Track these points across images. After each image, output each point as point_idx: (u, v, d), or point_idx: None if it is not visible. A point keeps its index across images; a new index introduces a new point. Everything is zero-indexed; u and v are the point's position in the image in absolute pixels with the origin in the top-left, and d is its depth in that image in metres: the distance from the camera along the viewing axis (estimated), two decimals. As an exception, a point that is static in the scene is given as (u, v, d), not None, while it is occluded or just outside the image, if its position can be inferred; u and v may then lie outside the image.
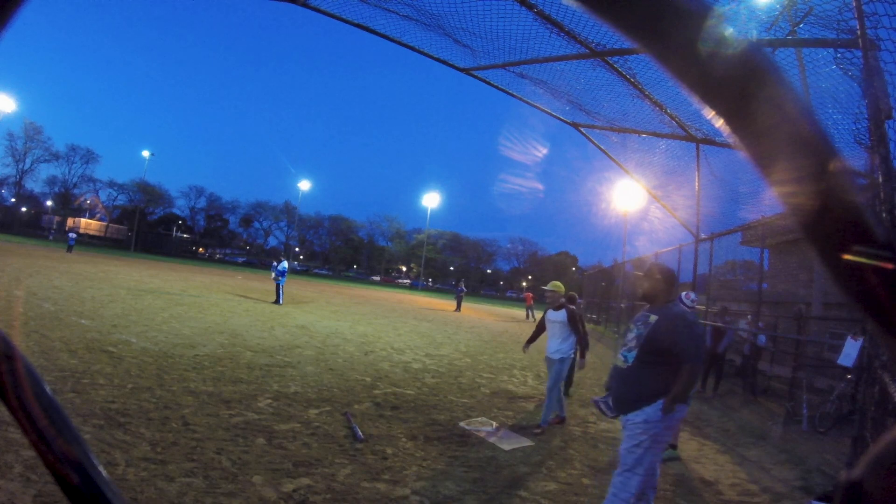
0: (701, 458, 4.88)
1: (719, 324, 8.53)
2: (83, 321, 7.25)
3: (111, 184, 69.46)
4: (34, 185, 68.30)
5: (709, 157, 7.94)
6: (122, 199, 70.62)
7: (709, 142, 7.63)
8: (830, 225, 0.20)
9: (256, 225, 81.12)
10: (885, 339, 0.21)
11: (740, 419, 6.79)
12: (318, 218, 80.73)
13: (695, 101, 0.21)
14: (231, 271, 38.88)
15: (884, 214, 3.49)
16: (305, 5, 6.14)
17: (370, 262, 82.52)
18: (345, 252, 79.72)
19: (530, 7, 5.39)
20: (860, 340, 5.34)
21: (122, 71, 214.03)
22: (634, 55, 5.93)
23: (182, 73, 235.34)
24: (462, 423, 4.88)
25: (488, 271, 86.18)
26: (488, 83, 7.91)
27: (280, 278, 14.78)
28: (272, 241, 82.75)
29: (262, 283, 24.38)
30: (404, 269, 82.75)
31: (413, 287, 67.31)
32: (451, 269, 79.53)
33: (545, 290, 5.39)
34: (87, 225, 66.46)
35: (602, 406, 3.26)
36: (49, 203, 68.73)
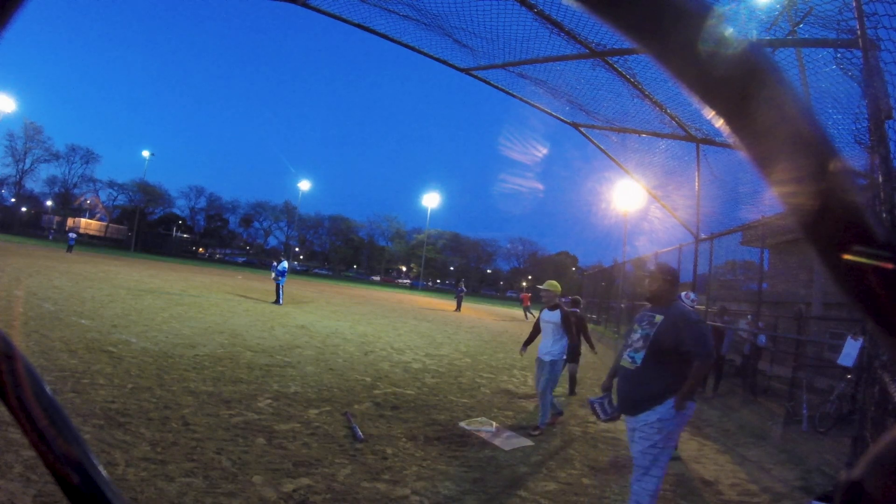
0: (701, 458, 4.88)
1: (718, 324, 8.53)
2: (83, 321, 7.25)
3: (111, 184, 69.57)
4: (34, 185, 68.43)
5: (709, 157, 7.94)
6: (122, 199, 70.73)
7: (709, 142, 7.63)
8: (830, 225, 0.20)
9: (256, 225, 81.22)
10: (885, 339, 0.21)
11: (740, 419, 6.79)
12: (318, 218, 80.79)
13: (695, 101, 0.21)
14: (231, 271, 38.88)
15: (884, 214, 3.49)
16: (305, 5, 6.14)
17: (370, 262, 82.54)
18: (345, 252, 79.73)
19: (530, 7, 5.39)
20: (860, 340, 5.34)
21: (122, 71, 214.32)
22: (634, 55, 5.93)
23: (182, 73, 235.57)
24: (462, 423, 4.88)
25: (488, 271, 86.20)
26: (488, 83, 7.91)
27: (280, 278, 14.78)
28: (272, 241, 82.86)
29: (262, 283, 24.38)
30: (404, 269, 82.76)
31: (413, 287, 67.31)
32: (451, 269, 79.53)
33: (540, 288, 5.32)
34: (87, 225, 66.47)
35: (598, 408, 3.24)
36: (49, 203, 68.74)
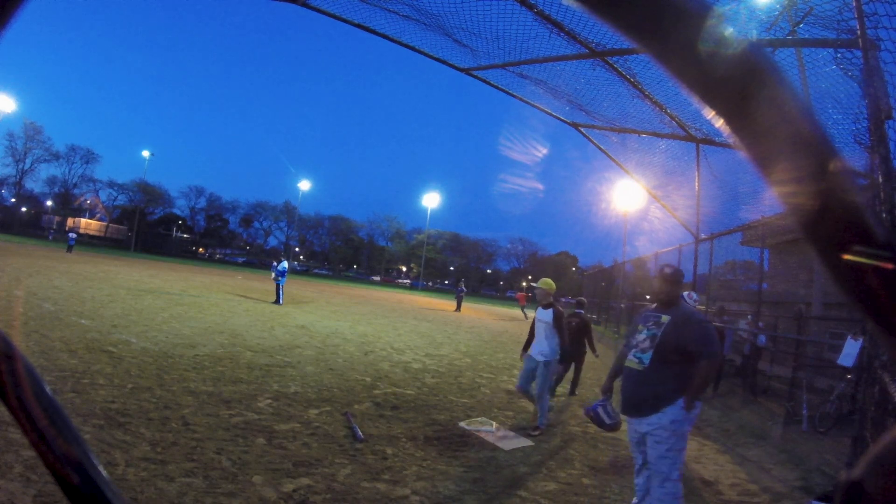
0: (701, 458, 4.88)
1: (717, 324, 8.53)
2: (83, 321, 7.25)
3: (111, 184, 69.57)
4: (34, 185, 68.42)
5: (709, 157, 7.94)
6: (122, 199, 70.73)
7: (709, 142, 7.63)
8: (830, 225, 0.20)
9: (256, 225, 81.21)
10: (885, 339, 0.21)
11: (740, 419, 6.79)
12: (318, 218, 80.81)
13: (695, 101, 0.21)
14: (231, 271, 38.88)
15: (884, 214, 3.49)
16: (305, 5, 6.14)
17: (370, 262, 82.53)
18: (345, 252, 79.74)
19: (530, 7, 5.39)
20: (860, 340, 5.34)
21: (121, 71, 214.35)
22: (634, 55, 5.93)
23: (182, 73, 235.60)
24: (462, 423, 4.88)
25: (488, 271, 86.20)
26: (488, 83, 7.91)
27: (280, 278, 14.78)
28: (272, 241, 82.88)
29: (262, 283, 24.38)
30: (404, 269, 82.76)
31: (413, 287, 67.31)
32: (451, 269, 79.53)
33: (534, 286, 5.21)
34: (87, 225, 66.48)
35: (601, 413, 3.17)
36: (49, 203, 68.73)
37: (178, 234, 75.32)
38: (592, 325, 7.96)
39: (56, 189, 67.60)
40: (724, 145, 7.22)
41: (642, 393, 2.81)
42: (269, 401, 4.68)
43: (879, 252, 0.20)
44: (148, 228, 70.29)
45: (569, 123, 8.89)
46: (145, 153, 64.92)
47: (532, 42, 6.15)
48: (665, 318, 2.83)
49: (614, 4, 0.20)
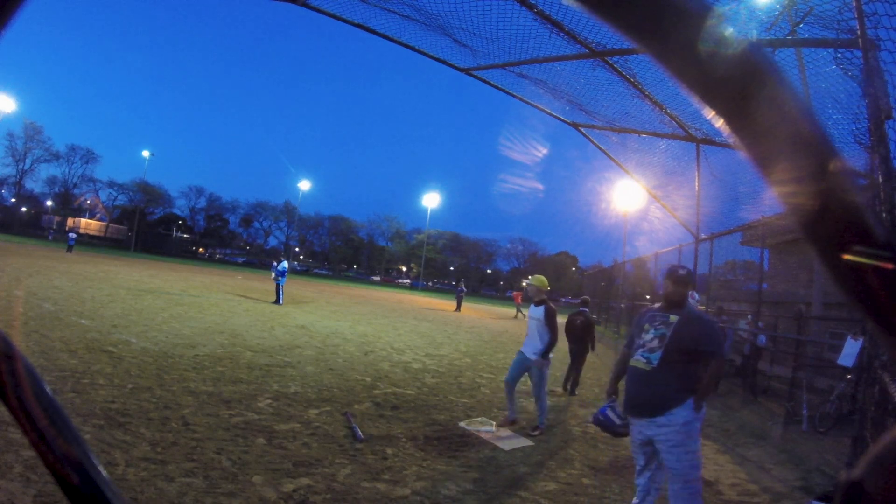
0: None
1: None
2: (83, 321, 7.25)
3: (111, 184, 69.50)
4: (34, 185, 68.37)
5: (709, 157, 7.94)
6: (122, 199, 70.67)
7: (709, 142, 7.63)
8: (830, 225, 0.20)
9: (256, 225, 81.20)
10: (885, 339, 0.21)
11: (740, 419, 6.79)
12: (318, 218, 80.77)
13: (695, 101, 0.21)
14: (231, 271, 38.88)
15: (884, 214, 3.49)
16: (305, 5, 6.14)
17: (370, 262, 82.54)
18: (345, 252, 79.73)
19: (530, 7, 5.39)
20: (860, 340, 5.34)
21: (121, 71, 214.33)
22: (634, 55, 5.93)
23: (182, 74, 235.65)
24: (462, 423, 4.88)
25: (488, 271, 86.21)
26: (488, 83, 7.91)
27: (280, 278, 14.78)
28: (272, 241, 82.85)
29: (262, 283, 24.38)
30: (404, 269, 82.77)
31: (413, 287, 67.31)
32: (451, 269, 79.54)
33: (527, 283, 5.14)
34: (87, 225, 66.47)
35: (610, 415, 3.09)
36: (49, 203, 68.73)
37: (178, 234, 75.32)
38: (594, 329, 7.97)
39: (56, 189, 67.62)
40: (724, 145, 7.23)
41: (650, 393, 2.78)
42: (269, 401, 4.68)
43: (879, 252, 0.20)
44: (148, 228, 70.29)
45: (569, 123, 8.89)
46: (145, 153, 64.99)
47: (532, 42, 6.15)
48: (674, 318, 2.81)
49: (614, 4, 0.20)
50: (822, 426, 6.35)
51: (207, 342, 7.11)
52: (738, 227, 8.17)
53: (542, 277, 5.15)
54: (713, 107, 0.21)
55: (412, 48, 7.04)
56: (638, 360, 2.86)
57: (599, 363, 10.92)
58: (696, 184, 8.32)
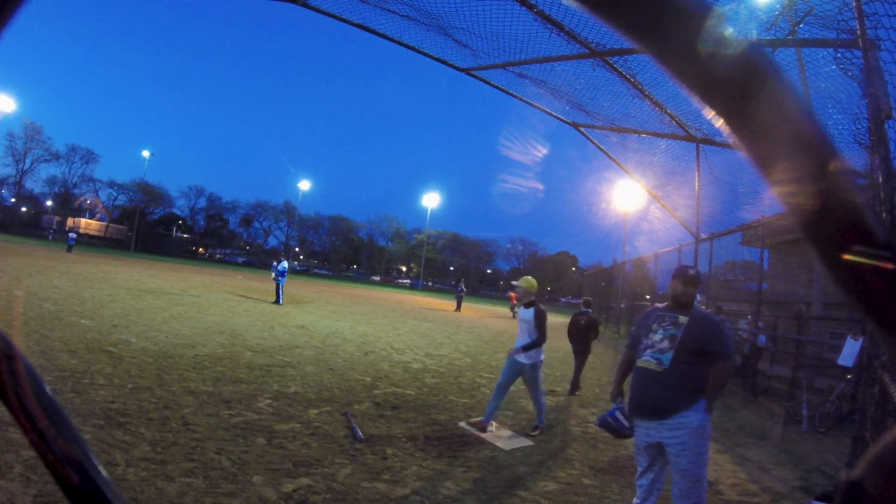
0: (701, 458, 4.87)
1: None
2: (83, 321, 7.25)
3: (111, 184, 69.47)
4: (34, 185, 68.37)
5: (709, 157, 7.94)
6: (122, 199, 70.64)
7: (709, 142, 7.63)
8: (830, 225, 0.20)
9: (256, 225, 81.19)
10: (885, 339, 0.21)
11: (740, 419, 6.79)
12: (318, 218, 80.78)
13: (695, 101, 0.21)
14: (231, 271, 38.88)
15: (884, 214, 3.49)
16: (305, 5, 6.14)
17: (370, 262, 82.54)
18: (345, 252, 79.73)
19: (530, 7, 5.39)
20: (860, 340, 5.34)
21: (121, 71, 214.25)
22: (634, 55, 5.93)
23: (182, 73, 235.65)
24: (462, 423, 4.88)
25: (488, 271, 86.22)
26: (488, 83, 7.91)
27: (280, 278, 14.78)
28: (272, 241, 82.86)
29: (262, 283, 24.38)
30: (404, 269, 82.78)
31: (413, 287, 67.32)
32: (451, 269, 79.55)
33: (514, 285, 5.05)
34: (87, 225, 66.49)
35: (620, 418, 3.05)
36: (49, 203, 68.73)
37: (178, 234, 75.31)
38: (597, 328, 7.98)
39: (56, 189, 67.60)
40: (724, 145, 7.23)
41: (661, 395, 2.73)
42: (269, 401, 4.68)
43: (879, 252, 0.20)
44: (148, 228, 70.28)
45: (569, 123, 8.90)
46: (145, 153, 64.98)
47: (532, 42, 6.15)
48: (683, 319, 2.78)
49: (614, 4, 0.20)
50: (822, 426, 6.35)
51: (207, 342, 7.11)
52: (738, 227, 8.18)
53: (531, 279, 5.07)
54: (713, 107, 0.21)
55: (412, 48, 7.04)
56: (648, 361, 2.78)
57: (599, 363, 10.92)
58: (696, 184, 8.32)
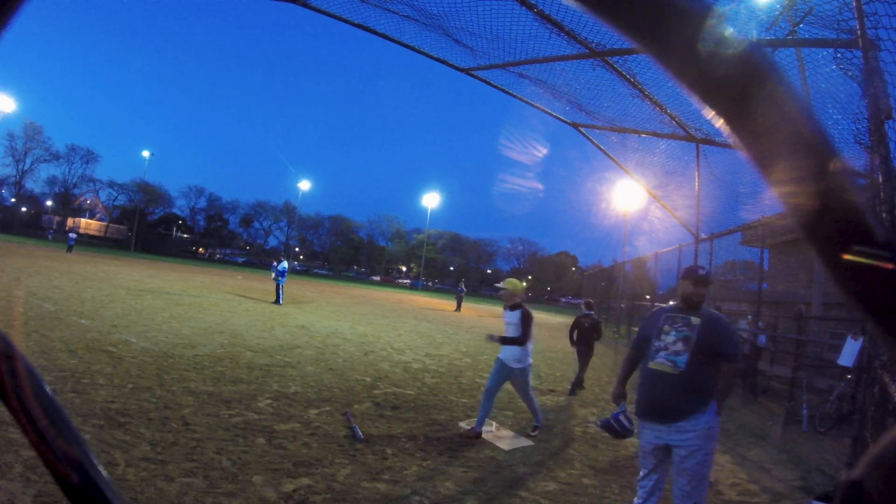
0: (701, 458, 4.87)
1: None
2: (83, 321, 7.25)
3: (111, 184, 69.46)
4: (34, 185, 68.33)
5: (709, 157, 7.95)
6: (122, 199, 70.64)
7: (709, 142, 7.63)
8: (830, 225, 0.20)
9: (256, 225, 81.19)
10: (885, 339, 0.21)
11: (740, 419, 6.79)
12: (318, 218, 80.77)
13: (695, 101, 0.21)
14: (231, 271, 38.88)
15: (884, 214, 3.49)
16: (305, 5, 6.14)
17: (370, 262, 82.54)
18: (345, 252, 79.72)
19: (530, 7, 5.39)
20: (860, 340, 5.34)
21: (121, 71, 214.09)
22: (634, 55, 5.93)
23: (182, 74, 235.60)
24: (462, 423, 4.88)
25: (488, 271, 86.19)
26: (488, 83, 7.92)
27: (280, 278, 14.78)
28: (272, 241, 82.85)
29: (262, 283, 24.38)
30: (404, 269, 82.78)
31: (413, 287, 67.31)
32: (451, 269, 79.55)
33: (498, 287, 4.94)
34: (87, 225, 66.47)
35: (623, 421, 3.03)
36: (49, 203, 68.72)
37: (178, 234, 75.29)
38: (600, 328, 7.98)
39: (56, 189, 67.58)
40: (724, 145, 7.23)
41: (681, 397, 2.68)
42: (269, 401, 4.68)
43: (879, 252, 0.20)
44: (148, 228, 70.26)
45: (569, 123, 8.90)
46: (145, 153, 64.93)
47: (532, 42, 6.16)
48: (695, 320, 2.74)
49: (614, 4, 0.20)
50: (822, 426, 6.35)
51: (207, 342, 7.11)
52: (738, 227, 8.18)
53: (516, 281, 4.96)
54: (713, 107, 0.21)
55: (412, 48, 7.04)
56: (662, 364, 2.72)
57: (599, 363, 10.92)
58: (696, 184, 8.32)
